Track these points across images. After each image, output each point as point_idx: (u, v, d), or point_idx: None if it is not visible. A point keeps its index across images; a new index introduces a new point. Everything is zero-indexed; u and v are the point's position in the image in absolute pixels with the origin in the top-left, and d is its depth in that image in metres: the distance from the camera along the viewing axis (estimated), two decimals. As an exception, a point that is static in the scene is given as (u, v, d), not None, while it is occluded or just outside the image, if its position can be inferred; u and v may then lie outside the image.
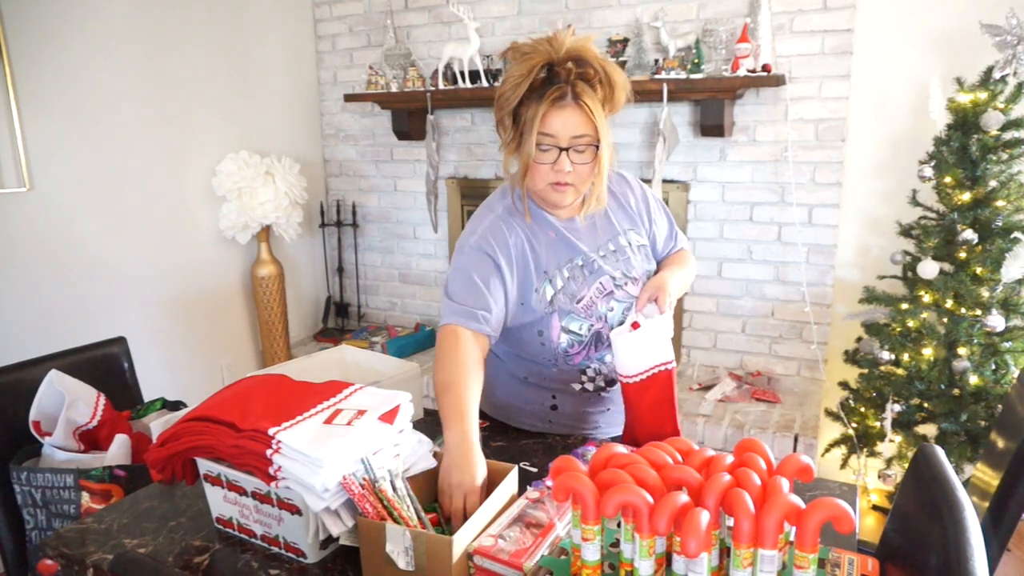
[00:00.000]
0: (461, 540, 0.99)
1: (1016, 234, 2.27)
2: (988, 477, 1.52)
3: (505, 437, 1.55)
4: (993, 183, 2.28)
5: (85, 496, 1.65)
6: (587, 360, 1.47)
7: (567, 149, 1.30)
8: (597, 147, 1.32)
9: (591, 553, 0.95)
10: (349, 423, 1.11)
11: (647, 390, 1.38)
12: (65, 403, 1.72)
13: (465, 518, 1.08)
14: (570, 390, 1.51)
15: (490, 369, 1.54)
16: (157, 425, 1.44)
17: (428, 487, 1.20)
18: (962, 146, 2.28)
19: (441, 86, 3.20)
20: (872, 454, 2.57)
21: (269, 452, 1.05)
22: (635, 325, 1.40)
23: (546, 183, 1.34)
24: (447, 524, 1.13)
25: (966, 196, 2.29)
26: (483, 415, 1.68)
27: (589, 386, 1.50)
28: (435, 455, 1.22)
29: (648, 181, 2.96)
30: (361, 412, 1.14)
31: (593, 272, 1.43)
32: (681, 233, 1.63)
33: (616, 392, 1.51)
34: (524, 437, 1.55)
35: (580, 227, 1.45)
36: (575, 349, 1.44)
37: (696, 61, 2.71)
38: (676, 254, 1.60)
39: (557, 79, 1.28)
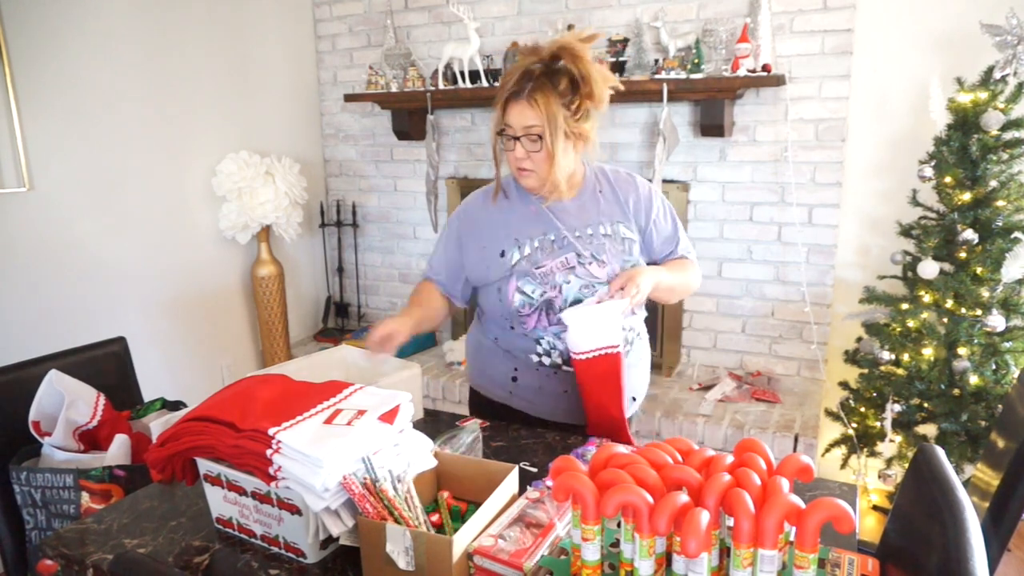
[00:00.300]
0: (461, 540, 0.99)
1: (1016, 234, 2.27)
2: (988, 477, 1.52)
3: (505, 437, 1.56)
4: (993, 183, 2.28)
5: (85, 496, 1.65)
6: (541, 330, 1.56)
7: (519, 138, 1.46)
8: (541, 138, 1.46)
9: (591, 553, 0.95)
10: (349, 423, 1.11)
11: (592, 369, 1.47)
12: (65, 403, 1.72)
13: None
14: (529, 362, 1.60)
15: (472, 333, 1.76)
16: (157, 425, 1.44)
17: (428, 487, 1.20)
18: (962, 146, 2.28)
19: (441, 86, 3.20)
20: (872, 454, 2.57)
21: (269, 452, 1.05)
22: None
23: (513, 168, 1.53)
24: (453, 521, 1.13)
25: (966, 196, 2.29)
26: (479, 410, 1.72)
27: (546, 360, 1.59)
28: (435, 454, 1.22)
29: (648, 181, 2.96)
30: (361, 412, 1.15)
31: (562, 247, 1.54)
32: (687, 243, 1.70)
33: (574, 375, 1.56)
34: (523, 437, 1.55)
35: (566, 208, 1.57)
36: (526, 310, 1.54)
37: (696, 61, 2.71)
38: (676, 260, 1.67)
39: (528, 77, 1.44)
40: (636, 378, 1.66)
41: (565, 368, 1.57)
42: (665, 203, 1.66)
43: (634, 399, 1.68)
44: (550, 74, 1.43)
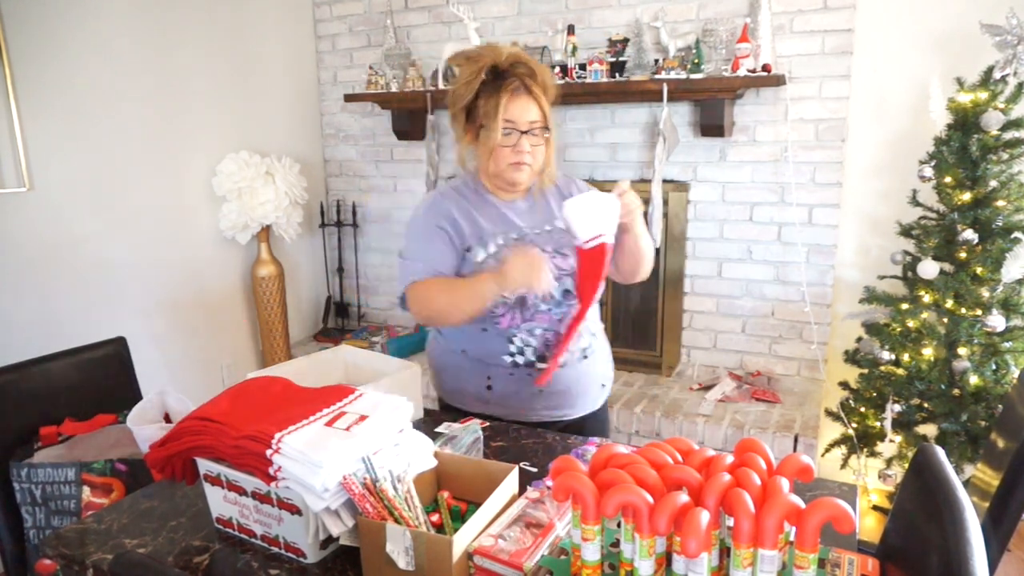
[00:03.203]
0: (461, 540, 0.99)
1: (1016, 234, 2.27)
2: (988, 477, 1.52)
3: (505, 437, 1.56)
4: (993, 183, 2.28)
5: (86, 491, 1.65)
6: (514, 328, 1.56)
7: (526, 132, 1.50)
8: (548, 131, 1.53)
9: (591, 553, 0.95)
10: (348, 428, 1.11)
11: (590, 256, 1.46)
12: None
13: None
14: (503, 365, 1.59)
15: (435, 349, 1.73)
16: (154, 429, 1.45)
17: (428, 487, 1.20)
18: (962, 146, 2.28)
19: (441, 86, 3.20)
20: (872, 454, 2.57)
21: (269, 452, 1.05)
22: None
23: (507, 163, 1.53)
24: (453, 521, 1.13)
25: (966, 196, 2.29)
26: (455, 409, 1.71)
27: (519, 359, 1.58)
28: (435, 454, 1.22)
29: (648, 181, 2.96)
30: (363, 417, 1.15)
31: (525, 244, 1.56)
32: None
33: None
34: (524, 437, 1.55)
35: (521, 208, 1.62)
36: (500, 310, 1.55)
37: (696, 61, 2.71)
38: None
39: (506, 75, 1.49)
40: (601, 367, 1.70)
41: (539, 365, 1.57)
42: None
43: (603, 385, 1.72)
44: (529, 73, 1.50)
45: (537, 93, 1.50)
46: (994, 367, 2.31)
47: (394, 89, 3.34)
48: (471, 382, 1.64)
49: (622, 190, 1.45)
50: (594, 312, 1.65)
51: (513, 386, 1.60)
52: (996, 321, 2.24)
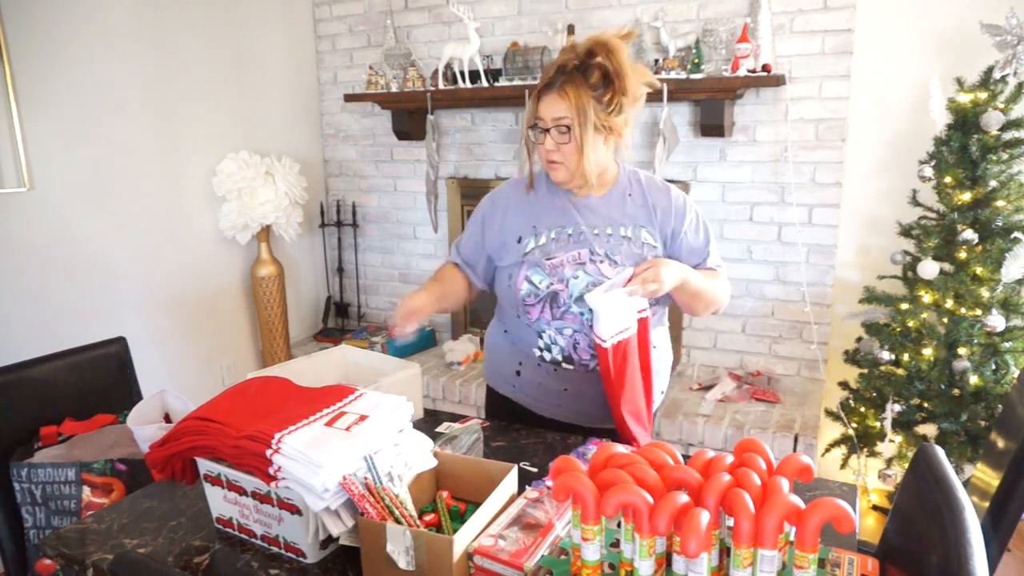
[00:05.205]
0: (461, 540, 1.00)
1: (1016, 234, 2.27)
2: (988, 477, 1.52)
3: (505, 437, 1.56)
4: (993, 183, 2.28)
5: (86, 490, 1.65)
6: (544, 323, 1.56)
7: (549, 130, 1.48)
8: (569, 129, 1.47)
9: (591, 553, 0.95)
10: (348, 428, 1.11)
11: (617, 354, 1.45)
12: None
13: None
14: (532, 356, 1.62)
15: (490, 329, 1.78)
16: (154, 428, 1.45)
17: (428, 487, 1.20)
18: (962, 146, 2.28)
19: (441, 86, 3.20)
20: (872, 454, 2.57)
21: (269, 452, 1.05)
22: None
23: (544, 161, 1.54)
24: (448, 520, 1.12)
25: (966, 196, 2.29)
26: (491, 407, 1.75)
27: (546, 355, 1.59)
28: (435, 454, 1.22)
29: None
30: (363, 417, 1.15)
31: (577, 242, 1.55)
32: (717, 258, 1.65)
33: (574, 374, 1.59)
34: (523, 437, 1.55)
35: (591, 205, 1.58)
36: (531, 300, 1.56)
37: (696, 61, 2.71)
38: (704, 270, 1.61)
39: (561, 71, 1.46)
40: (655, 382, 1.61)
41: (565, 366, 1.58)
42: (700, 217, 1.63)
43: (663, 392, 1.72)
44: (583, 68, 1.45)
45: (569, 89, 1.44)
46: (994, 367, 2.31)
47: (394, 89, 3.34)
48: (506, 364, 1.69)
49: (637, 292, 1.42)
50: (657, 339, 1.61)
51: (538, 377, 1.62)
52: (996, 321, 2.24)
